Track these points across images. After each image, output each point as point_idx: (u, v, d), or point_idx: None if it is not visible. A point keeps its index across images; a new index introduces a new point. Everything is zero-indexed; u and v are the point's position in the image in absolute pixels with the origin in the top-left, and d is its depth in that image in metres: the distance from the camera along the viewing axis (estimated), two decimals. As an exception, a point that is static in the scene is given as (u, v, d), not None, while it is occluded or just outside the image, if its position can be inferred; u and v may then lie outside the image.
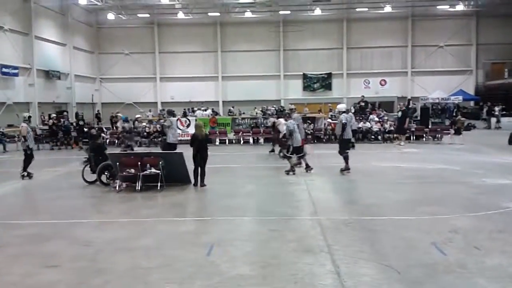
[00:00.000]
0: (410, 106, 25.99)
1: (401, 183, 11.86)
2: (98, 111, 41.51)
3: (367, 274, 5.71)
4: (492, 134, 27.56)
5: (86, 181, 12.14)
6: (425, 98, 36.12)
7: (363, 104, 28.14)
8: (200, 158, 11.60)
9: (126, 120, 19.61)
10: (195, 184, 11.52)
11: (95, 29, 45.39)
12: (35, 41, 34.91)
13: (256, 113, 30.71)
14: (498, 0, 38.40)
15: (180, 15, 42.37)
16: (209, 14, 42.35)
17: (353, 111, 24.43)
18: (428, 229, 7.57)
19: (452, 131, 23.44)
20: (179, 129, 24.32)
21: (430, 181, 12.11)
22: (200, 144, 11.66)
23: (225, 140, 24.32)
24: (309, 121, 23.68)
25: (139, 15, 43.03)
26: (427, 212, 8.72)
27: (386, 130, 23.36)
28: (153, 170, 11.26)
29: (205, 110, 31.63)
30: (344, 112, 13.47)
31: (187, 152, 11.82)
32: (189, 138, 22.28)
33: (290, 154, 13.53)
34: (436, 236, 7.12)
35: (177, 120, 25.03)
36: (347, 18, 43.25)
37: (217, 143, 23.74)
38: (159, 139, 23.86)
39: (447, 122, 29.09)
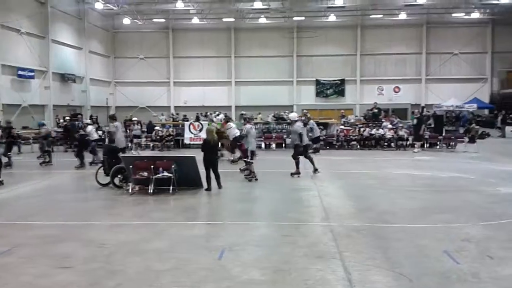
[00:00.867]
0: (424, 114, 25.81)
1: (414, 190, 11.78)
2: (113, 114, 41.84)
3: (379, 282, 5.68)
4: (506, 143, 27.25)
5: (100, 184, 12.26)
6: (439, 105, 35.88)
7: (376, 111, 28.02)
8: (210, 162, 11.66)
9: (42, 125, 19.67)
10: (207, 189, 11.56)
11: (111, 34, 45.92)
12: (51, 45, 35.43)
13: (261, 119, 30.83)
14: (514, 8, 38.03)
15: (195, 20, 42.74)
16: (224, 19, 42.58)
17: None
18: (441, 237, 7.51)
19: (466, 139, 23.21)
20: (192, 133, 24.52)
21: (443, 189, 12.01)
22: (210, 148, 11.74)
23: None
24: (321, 127, 23.62)
25: (155, 20, 43.43)
26: (440, 220, 8.65)
27: (400, 137, 23.19)
28: (165, 173, 11.34)
29: (218, 114, 31.74)
30: (296, 121, 14.73)
31: (199, 156, 11.88)
32: (201, 142, 22.52)
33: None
34: (449, 245, 7.07)
35: (190, 124, 25.28)
36: (361, 24, 43.19)
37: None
38: (172, 142, 24.09)
39: (461, 130, 28.82)
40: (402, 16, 40.13)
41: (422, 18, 42.07)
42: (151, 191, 11.14)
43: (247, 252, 6.81)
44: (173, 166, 11.33)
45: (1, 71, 30.32)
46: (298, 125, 14.40)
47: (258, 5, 37.11)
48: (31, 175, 14.64)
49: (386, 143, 23.19)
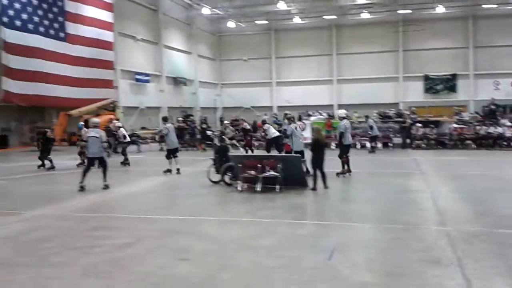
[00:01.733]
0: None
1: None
2: (222, 115, 43.63)
3: (503, 292, 5.29)
4: None
5: (211, 181, 12.87)
6: None
7: (493, 107, 25.93)
8: (318, 162, 11.66)
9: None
10: (313, 188, 11.58)
11: (217, 37, 47.91)
12: (164, 50, 37.92)
13: (357, 117, 30.03)
14: None
15: (296, 19, 42.98)
16: (325, 17, 42.28)
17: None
18: None
19: None
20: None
21: None
22: (320, 148, 11.74)
23: (341, 144, 24.00)
24: (431, 125, 22.46)
25: (257, 22, 44.46)
26: None
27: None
28: (272, 172, 11.58)
29: (320, 114, 31.64)
30: (344, 118, 14.41)
31: (305, 156, 11.94)
32: (304, 141, 22.56)
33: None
34: None
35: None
36: (473, 15, 40.19)
37: (332, 147, 23.53)
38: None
39: None
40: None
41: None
42: (259, 189, 11.45)
43: (357, 254, 6.71)
44: (279, 165, 11.53)
45: (120, 76, 33.16)
46: (343, 124, 14.11)
47: (361, 0, 36.27)
48: (149, 172, 15.81)
49: (505, 143, 21.35)
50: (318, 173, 11.61)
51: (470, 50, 40.73)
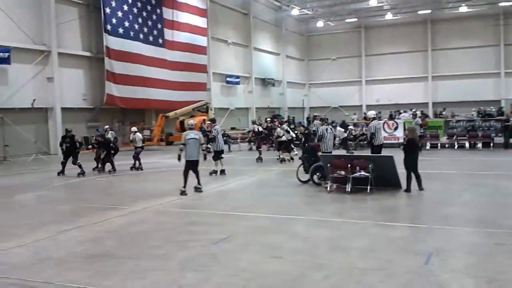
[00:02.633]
0: None
1: None
2: (309, 115, 43.69)
3: None
4: None
5: (300, 180, 12.93)
6: None
7: None
8: (412, 163, 11.23)
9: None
10: (407, 190, 11.17)
11: (305, 38, 47.93)
12: (253, 52, 38.73)
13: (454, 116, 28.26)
14: None
15: (388, 16, 41.65)
16: (419, 12, 40.48)
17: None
18: None
19: None
20: (386, 132, 23.92)
21: None
22: (414, 148, 11.32)
23: (437, 144, 22.90)
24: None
25: (347, 20, 43.76)
26: None
27: None
28: (362, 172, 11.36)
29: (405, 112, 30.40)
30: (374, 118, 14.33)
31: (397, 156, 11.56)
32: (395, 141, 21.85)
33: None
34: None
35: (384, 123, 24.69)
36: None
37: (427, 147, 22.52)
38: (365, 141, 23.86)
39: None
40: None
41: None
42: (349, 190, 11.29)
43: (456, 259, 6.38)
44: (370, 166, 11.28)
45: (212, 79, 34.43)
46: (373, 124, 14.06)
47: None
48: (239, 172, 16.24)
49: None
50: (412, 175, 11.18)
51: None
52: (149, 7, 30.28)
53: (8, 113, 22.23)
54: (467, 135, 22.68)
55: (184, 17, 32.68)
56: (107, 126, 19.56)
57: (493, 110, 29.74)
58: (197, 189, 11.94)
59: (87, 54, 27.17)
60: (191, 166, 11.70)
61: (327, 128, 13.73)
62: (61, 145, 16.55)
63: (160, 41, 31.05)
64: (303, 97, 46.69)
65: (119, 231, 8.44)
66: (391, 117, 26.94)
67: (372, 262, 6.34)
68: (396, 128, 23.81)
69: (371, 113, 15.09)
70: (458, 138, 22.78)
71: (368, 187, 11.18)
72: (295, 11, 41.28)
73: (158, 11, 31.06)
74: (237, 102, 37.03)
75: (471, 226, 8.14)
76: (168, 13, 31.69)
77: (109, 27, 27.17)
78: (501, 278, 5.63)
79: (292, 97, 44.94)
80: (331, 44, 46.30)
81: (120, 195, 12.57)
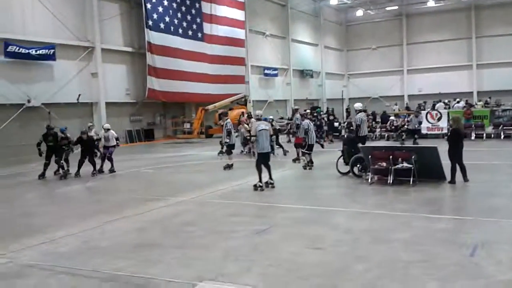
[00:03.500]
0: None
1: None
2: (348, 106, 43.08)
3: None
4: None
5: (340, 172, 12.84)
6: None
7: None
8: (456, 153, 10.94)
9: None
10: (452, 181, 10.89)
11: (344, 27, 47.23)
12: (291, 44, 38.55)
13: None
14: None
15: (430, 3, 40.44)
16: (463, -2, 39.11)
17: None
18: None
19: None
20: (429, 122, 23.32)
21: None
22: (458, 138, 11.01)
23: (482, 134, 22.13)
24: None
25: (387, 9, 42.81)
26: None
27: None
28: (405, 164, 11.15)
29: (458, 102, 29.46)
30: (360, 111, 15.40)
31: (441, 148, 11.28)
32: (439, 132, 21.32)
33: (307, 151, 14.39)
34: None
35: (427, 113, 24.09)
36: None
37: (472, 137, 21.81)
38: (406, 132, 23.29)
39: None
40: None
41: None
42: (390, 182, 11.12)
43: (503, 251, 6.21)
44: (413, 157, 11.06)
45: (250, 71, 34.53)
46: (359, 116, 15.20)
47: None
48: (278, 163, 16.27)
49: None
50: (457, 166, 10.89)
51: None
52: (188, 2, 30.64)
53: (55, 108, 23.07)
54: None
55: (222, 11, 32.87)
56: (90, 124, 17.68)
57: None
58: (269, 184, 11.38)
59: (129, 49, 27.84)
60: (264, 159, 11.27)
61: (309, 122, 14.82)
62: (38, 144, 14.23)
63: (199, 35, 31.38)
64: (342, 88, 46.09)
65: (163, 221, 8.67)
66: (434, 107, 26.21)
67: (416, 255, 6.26)
68: (439, 119, 23.14)
69: (358, 105, 16.14)
70: (505, 128, 21.93)
71: (411, 179, 10.96)
72: (334, 1, 40.71)
73: (197, 5, 31.37)
74: (275, 94, 37.01)
75: (519, 219, 7.88)
76: (206, 7, 31.96)
77: (150, 22, 27.67)
78: (553, 272, 5.45)
79: (331, 88, 44.46)
80: (371, 33, 45.41)
81: (165, 185, 12.89)
